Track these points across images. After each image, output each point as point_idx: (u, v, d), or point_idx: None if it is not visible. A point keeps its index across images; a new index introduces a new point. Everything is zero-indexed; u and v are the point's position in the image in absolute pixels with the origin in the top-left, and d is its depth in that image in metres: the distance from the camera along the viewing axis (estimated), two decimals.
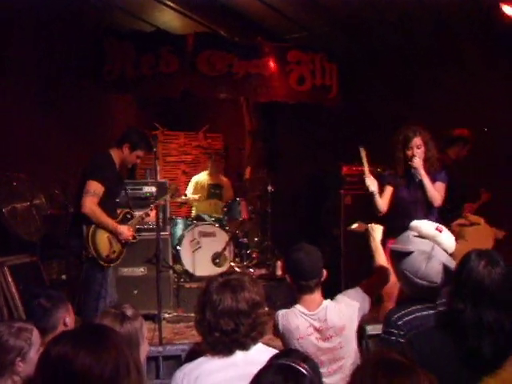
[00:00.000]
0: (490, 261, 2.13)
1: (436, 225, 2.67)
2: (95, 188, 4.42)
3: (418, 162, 4.44)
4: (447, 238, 2.68)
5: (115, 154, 4.68)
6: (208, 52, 7.01)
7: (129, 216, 4.85)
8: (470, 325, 2.02)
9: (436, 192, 4.47)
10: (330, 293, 3.15)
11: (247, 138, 8.70)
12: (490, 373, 1.93)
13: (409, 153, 4.47)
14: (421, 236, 2.66)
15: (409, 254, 2.56)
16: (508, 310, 2.03)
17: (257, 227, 8.04)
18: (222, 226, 7.15)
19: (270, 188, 7.51)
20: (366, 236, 3.43)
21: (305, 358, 1.77)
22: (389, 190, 4.60)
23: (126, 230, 4.63)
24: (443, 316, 2.19)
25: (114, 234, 4.55)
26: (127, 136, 4.67)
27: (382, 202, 4.52)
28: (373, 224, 3.53)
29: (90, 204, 4.38)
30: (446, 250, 2.62)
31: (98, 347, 1.60)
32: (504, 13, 5.83)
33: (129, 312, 2.55)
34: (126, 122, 8.53)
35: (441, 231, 2.63)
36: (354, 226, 3.92)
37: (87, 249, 4.37)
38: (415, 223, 2.72)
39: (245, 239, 7.63)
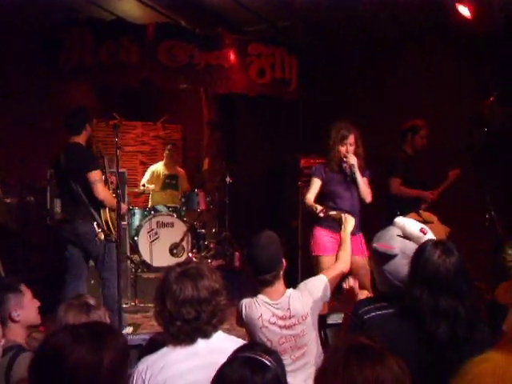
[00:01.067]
0: (445, 250, 2.22)
1: (420, 225, 2.61)
2: (99, 176, 4.78)
3: (354, 159, 4.62)
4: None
5: (82, 141, 4.92)
6: (169, 42, 6.95)
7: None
8: (427, 311, 2.10)
9: (368, 189, 4.69)
10: (287, 285, 3.15)
11: (206, 129, 8.69)
12: (447, 358, 2.04)
13: (343, 149, 4.65)
14: (405, 236, 2.59)
15: (393, 256, 2.51)
16: (462, 297, 2.12)
17: (215, 218, 8.05)
18: (180, 217, 7.15)
19: (228, 179, 7.54)
20: (339, 223, 3.62)
21: (268, 351, 1.80)
22: (317, 183, 4.74)
23: (124, 207, 5.21)
24: (401, 303, 2.25)
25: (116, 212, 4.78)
26: (82, 119, 4.95)
27: (311, 194, 4.68)
28: (347, 215, 3.67)
29: (103, 191, 4.78)
30: None
31: (98, 344, 1.63)
32: (460, 13, 5.99)
33: (91, 301, 2.55)
34: None
35: (425, 233, 2.57)
36: (333, 212, 4.20)
37: (109, 231, 4.76)
38: (400, 220, 2.64)
39: (203, 230, 7.62)
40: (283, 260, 3.07)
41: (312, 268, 4.68)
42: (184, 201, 7.40)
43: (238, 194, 7.81)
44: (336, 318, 3.65)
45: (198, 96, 8.61)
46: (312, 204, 4.58)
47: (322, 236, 4.69)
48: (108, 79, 7.06)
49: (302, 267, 6.41)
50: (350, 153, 4.65)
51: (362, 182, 4.68)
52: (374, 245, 2.61)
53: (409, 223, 2.62)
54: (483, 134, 6.12)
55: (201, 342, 2.28)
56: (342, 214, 3.73)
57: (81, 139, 4.92)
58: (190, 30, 7.21)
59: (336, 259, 3.40)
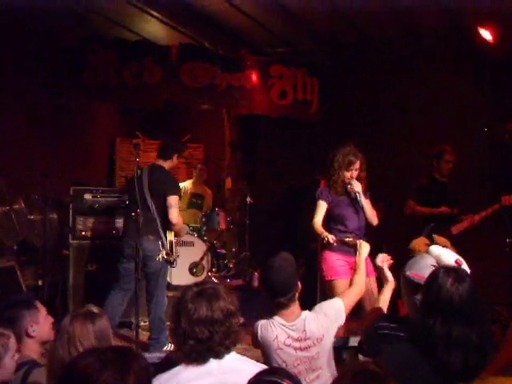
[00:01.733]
0: (458, 277, 2.20)
1: (456, 257, 2.57)
2: (176, 201, 5.17)
3: (359, 186, 4.66)
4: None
5: (167, 166, 5.36)
6: (192, 64, 7.05)
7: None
8: (440, 339, 2.08)
9: (374, 211, 4.75)
10: (304, 308, 3.16)
11: (227, 149, 8.74)
12: None
13: (348, 174, 4.67)
14: (440, 265, 2.51)
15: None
16: (474, 324, 2.11)
17: (235, 238, 8.07)
18: (200, 236, 7.14)
19: (248, 199, 7.53)
20: (354, 250, 3.73)
21: (290, 376, 1.82)
22: (324, 206, 4.73)
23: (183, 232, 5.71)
24: (413, 331, 2.23)
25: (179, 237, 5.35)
26: (175, 148, 5.42)
27: (318, 217, 4.67)
28: (362, 241, 3.74)
29: (178, 216, 5.15)
30: None
31: (124, 369, 1.67)
32: (480, 35, 5.99)
33: (95, 310, 2.59)
34: (108, 129, 8.63)
35: (460, 264, 2.52)
36: (349, 239, 4.31)
37: (170, 252, 5.05)
38: (436, 249, 2.60)
39: (222, 250, 7.63)
40: (298, 283, 3.07)
41: (329, 291, 4.63)
42: (205, 220, 7.40)
43: (259, 215, 7.76)
44: (355, 342, 3.61)
45: (220, 116, 8.67)
46: (322, 230, 4.56)
47: (334, 260, 4.65)
48: (132, 99, 7.17)
49: (321, 290, 6.33)
50: (354, 178, 4.68)
51: (368, 206, 4.72)
52: (407, 273, 2.57)
53: (444, 253, 2.59)
54: (503, 159, 6.10)
55: (213, 362, 2.29)
56: (358, 241, 3.81)
57: (166, 165, 5.33)
58: (213, 52, 7.33)
59: (351, 283, 3.45)
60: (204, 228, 7.34)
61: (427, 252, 2.64)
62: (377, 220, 4.77)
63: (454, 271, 2.24)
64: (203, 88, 7.10)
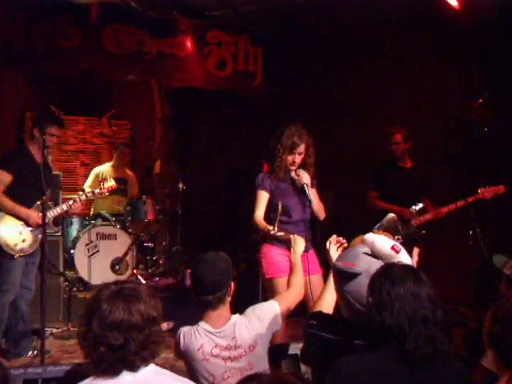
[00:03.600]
0: (394, 278, 2.30)
1: (392, 243, 2.62)
2: (1, 177, 5.02)
3: (307, 177, 4.69)
4: (404, 260, 2.59)
5: (31, 145, 5.23)
6: (115, 26, 6.88)
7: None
8: (396, 329, 2.23)
9: (321, 204, 4.83)
10: (245, 307, 3.20)
11: (158, 127, 8.67)
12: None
13: (290, 159, 4.70)
14: (373, 254, 2.60)
15: (354, 275, 2.51)
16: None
17: (165, 230, 8.04)
18: (123, 228, 7.06)
19: (181, 185, 7.53)
20: (287, 246, 3.75)
21: None
22: (265, 196, 4.76)
23: (33, 214, 5.14)
24: (371, 336, 2.33)
25: (24, 220, 5.11)
26: (34, 121, 5.26)
27: (260, 211, 4.71)
28: (295, 236, 3.77)
29: None
30: None
31: None
32: (447, 2, 5.99)
33: None
34: (16, 102, 8.40)
35: (398, 251, 2.57)
36: (281, 233, 4.30)
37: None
38: (369, 237, 2.66)
39: (150, 243, 7.58)
40: (232, 284, 3.09)
41: (269, 290, 4.67)
42: (130, 209, 7.30)
43: (193, 203, 7.83)
44: (296, 349, 3.48)
45: (149, 89, 8.58)
46: (265, 225, 4.59)
47: (275, 255, 4.66)
48: (43, 67, 6.95)
49: (263, 289, 6.32)
50: (296, 162, 4.71)
51: (315, 199, 4.77)
52: (334, 262, 2.63)
53: (379, 240, 2.63)
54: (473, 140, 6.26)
55: (126, 375, 2.23)
56: (291, 236, 3.82)
57: (29, 143, 5.28)
58: (140, 13, 7.02)
59: (288, 285, 3.47)
60: (129, 218, 7.24)
61: (362, 242, 2.69)
62: (324, 214, 4.82)
63: (390, 271, 2.32)
64: (129, 55, 6.96)
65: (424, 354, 2.20)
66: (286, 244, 3.89)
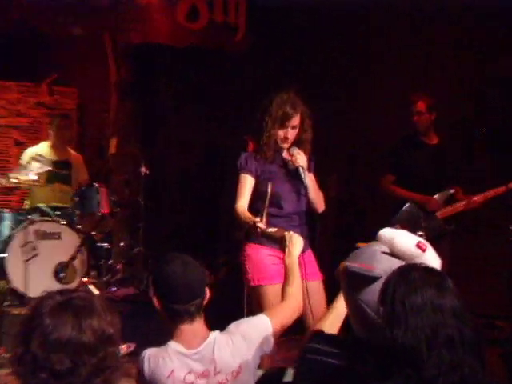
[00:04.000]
0: (412, 284, 2.27)
1: (417, 239, 2.62)
2: None
3: (303, 159, 4.72)
4: (431, 261, 2.58)
5: None
6: None
7: None
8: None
9: (320, 193, 4.87)
10: (226, 324, 3.20)
11: (113, 95, 8.67)
12: None
13: (281, 133, 4.74)
14: (393, 254, 2.60)
15: (372, 279, 2.52)
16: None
17: (123, 227, 8.10)
18: (70, 224, 7.03)
19: (143, 170, 7.50)
20: (280, 246, 3.73)
21: None
22: (250, 181, 4.81)
23: None
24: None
25: None
26: None
27: (244, 200, 4.75)
28: (291, 232, 3.75)
29: None
30: None
31: None
32: None
33: None
34: None
35: (424, 250, 2.57)
36: (272, 229, 4.15)
37: None
38: (388, 233, 2.68)
39: (105, 244, 7.57)
40: (207, 290, 3.09)
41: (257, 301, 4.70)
42: (78, 200, 7.21)
43: (159, 192, 7.90)
44: (292, 376, 3.46)
45: (101, 47, 8.55)
46: (249, 216, 4.60)
47: (264, 256, 4.68)
48: None
49: (248, 300, 6.25)
50: (289, 139, 4.75)
51: (313, 186, 4.82)
52: (347, 264, 2.61)
53: (400, 236, 2.63)
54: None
55: None
56: (286, 233, 3.81)
57: None
58: None
59: (282, 296, 3.45)
60: (76, 212, 7.17)
61: (377, 239, 2.71)
62: (323, 205, 4.87)
63: (408, 274, 2.29)
64: (74, 2, 6.96)
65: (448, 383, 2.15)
66: (279, 243, 3.90)
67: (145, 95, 8.75)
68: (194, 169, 8.45)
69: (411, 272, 2.29)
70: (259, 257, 4.68)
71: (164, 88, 8.86)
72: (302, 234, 4.10)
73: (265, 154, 4.77)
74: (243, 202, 4.72)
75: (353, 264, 2.59)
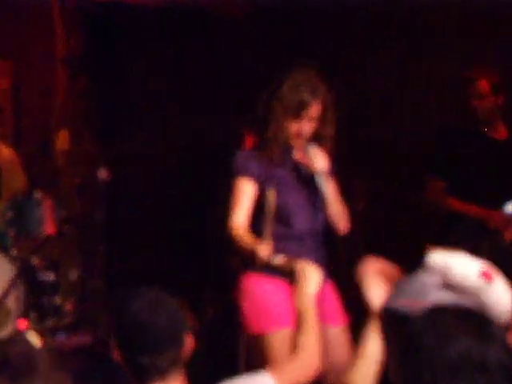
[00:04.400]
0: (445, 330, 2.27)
1: (481, 266, 2.54)
2: None
3: (321, 161, 4.83)
4: (500, 294, 2.53)
5: None
6: None
7: None
8: None
9: (344, 208, 5.00)
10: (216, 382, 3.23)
11: (60, 72, 8.69)
12: None
13: (295, 127, 4.83)
14: (449, 286, 2.50)
15: None
16: None
17: (75, 251, 8.13)
18: (1, 249, 7.06)
19: (103, 173, 7.40)
20: (289, 279, 3.95)
21: None
22: (249, 190, 4.91)
23: None
24: None
25: None
26: None
27: (241, 215, 4.84)
28: (305, 264, 3.85)
29: None
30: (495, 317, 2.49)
31: None
32: None
33: None
34: None
35: (490, 279, 2.50)
36: (279, 258, 4.37)
37: None
38: (441, 258, 2.60)
39: (50, 275, 7.41)
40: (187, 337, 3.13)
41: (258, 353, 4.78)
42: (12, 216, 7.23)
43: (124, 204, 8.06)
44: None
45: (45, 10, 8.61)
46: (249, 239, 4.69)
47: (269, 293, 4.74)
48: None
49: (245, 349, 5.93)
50: (304, 134, 4.82)
51: (334, 197, 4.91)
52: (385, 304, 2.58)
53: (457, 262, 2.55)
54: None
55: None
56: (296, 264, 3.92)
57: None
58: None
59: (293, 348, 3.56)
60: (10, 232, 7.21)
61: (425, 266, 2.64)
62: (348, 222, 4.97)
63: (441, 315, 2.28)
64: None
65: None
66: (288, 277, 4.05)
67: (104, 74, 8.78)
68: (173, 173, 8.50)
69: (441, 316, 2.28)
70: (262, 293, 4.75)
71: (130, 64, 8.82)
72: (318, 263, 4.20)
73: (270, 154, 4.84)
74: (241, 218, 4.79)
75: (395, 301, 2.53)
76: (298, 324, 3.62)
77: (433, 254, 2.61)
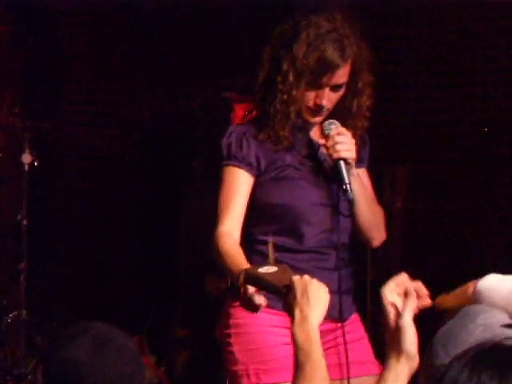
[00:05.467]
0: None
1: None
2: None
3: (348, 147, 4.21)
4: None
5: None
6: None
7: None
8: None
9: (380, 211, 4.47)
10: None
11: None
12: None
13: (311, 96, 4.26)
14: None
15: None
16: None
17: None
18: None
19: (27, 158, 6.98)
20: (284, 303, 3.46)
21: None
22: (244, 181, 4.39)
23: None
24: None
25: None
26: None
27: (231, 223, 4.29)
28: (307, 278, 3.34)
29: None
30: None
31: None
32: None
33: None
34: None
35: None
36: (269, 268, 3.76)
37: None
38: (504, 286, 2.71)
39: None
40: None
41: None
42: None
43: (58, 203, 7.65)
44: None
45: None
46: (239, 262, 4.03)
47: (266, 330, 4.23)
48: None
49: None
50: (327, 106, 4.21)
51: (365, 196, 4.36)
52: (432, 356, 2.56)
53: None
54: None
55: None
56: (296, 277, 3.41)
57: None
58: None
59: None
60: None
61: (479, 297, 2.78)
62: (383, 231, 4.44)
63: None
64: None
65: None
66: (280, 296, 3.51)
67: (30, 28, 8.44)
68: (126, 160, 8.02)
69: (496, 353, 2.09)
70: (258, 330, 4.24)
71: (63, 16, 8.53)
72: (342, 285, 4.09)
73: (275, 133, 4.25)
74: (231, 223, 4.22)
75: (443, 353, 2.51)
76: (296, 366, 3.22)
77: (488, 277, 2.75)
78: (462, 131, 6.98)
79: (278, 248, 4.15)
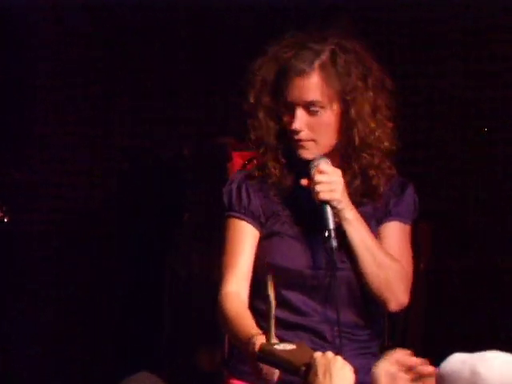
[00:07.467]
0: None
1: None
2: None
3: (331, 187, 4.05)
4: None
5: None
6: None
7: None
8: None
9: (397, 268, 4.14)
10: None
11: None
12: None
13: (290, 126, 4.17)
14: None
15: None
16: None
17: None
18: None
19: None
20: (304, 382, 3.28)
21: None
22: (249, 236, 4.32)
23: None
24: None
25: None
26: None
27: (242, 280, 4.24)
28: (330, 355, 3.24)
29: None
30: None
31: None
32: None
33: None
34: None
35: None
36: (285, 345, 3.53)
37: None
38: (448, 371, 2.40)
39: None
40: None
41: None
42: None
43: (28, 260, 7.27)
44: None
45: None
46: (250, 332, 3.73)
47: None
48: None
49: None
50: (303, 130, 4.05)
51: (367, 246, 4.10)
52: None
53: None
54: None
55: None
56: (318, 354, 3.29)
57: None
58: None
59: None
60: None
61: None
62: (400, 290, 4.17)
63: None
64: None
65: None
66: (299, 377, 3.30)
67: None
68: (105, 204, 7.86)
69: None
70: None
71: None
72: (359, 364, 3.60)
73: (267, 170, 4.28)
74: (238, 282, 4.13)
75: None
76: None
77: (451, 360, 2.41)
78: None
79: (281, 323, 3.84)
